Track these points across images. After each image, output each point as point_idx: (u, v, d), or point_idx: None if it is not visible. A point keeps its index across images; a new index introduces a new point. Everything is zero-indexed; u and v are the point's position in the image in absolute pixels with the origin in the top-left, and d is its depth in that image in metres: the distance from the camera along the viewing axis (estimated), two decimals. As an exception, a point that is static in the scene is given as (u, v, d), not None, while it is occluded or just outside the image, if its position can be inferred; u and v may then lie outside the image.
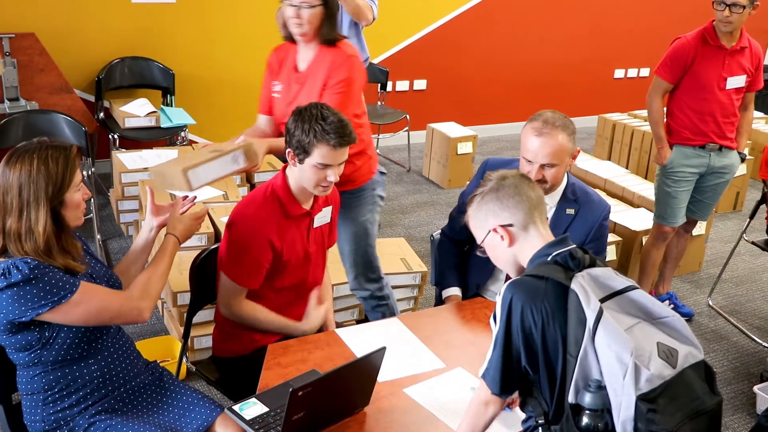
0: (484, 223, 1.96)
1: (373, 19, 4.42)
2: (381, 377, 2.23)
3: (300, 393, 1.90)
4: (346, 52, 2.95)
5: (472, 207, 2.00)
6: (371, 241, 3.23)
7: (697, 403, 1.72)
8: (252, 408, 2.11)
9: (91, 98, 5.38)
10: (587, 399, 1.69)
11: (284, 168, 2.61)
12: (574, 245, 1.88)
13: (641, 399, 1.64)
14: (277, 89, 3.07)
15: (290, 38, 3.00)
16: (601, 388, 1.69)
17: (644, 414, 1.63)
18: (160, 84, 5.55)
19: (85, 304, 2.03)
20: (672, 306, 4.31)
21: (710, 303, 4.49)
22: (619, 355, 1.67)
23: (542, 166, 2.61)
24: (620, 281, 1.84)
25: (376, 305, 3.35)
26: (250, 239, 2.51)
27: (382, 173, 3.24)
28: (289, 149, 2.51)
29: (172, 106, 5.54)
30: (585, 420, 1.69)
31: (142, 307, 2.15)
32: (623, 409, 1.66)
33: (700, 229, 4.67)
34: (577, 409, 1.70)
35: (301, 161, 2.48)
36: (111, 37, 5.37)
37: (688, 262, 4.80)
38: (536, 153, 2.60)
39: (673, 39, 3.90)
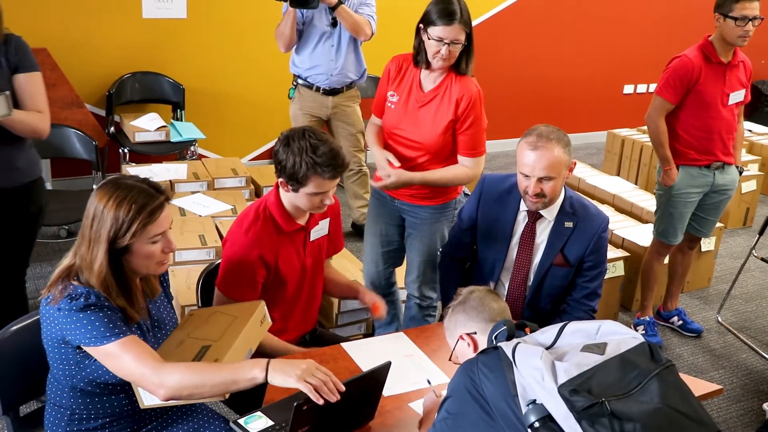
0: (454, 332, 2.16)
1: (372, 34, 4.44)
2: (386, 391, 2.24)
3: (304, 407, 1.90)
4: (475, 86, 3.06)
5: (446, 318, 2.20)
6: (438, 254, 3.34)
7: (644, 372, 1.71)
8: (257, 422, 2.10)
9: (102, 113, 5.42)
10: (530, 418, 1.68)
11: (278, 184, 2.60)
12: (508, 324, 1.97)
13: (562, 387, 1.64)
14: (392, 99, 3.15)
15: (419, 63, 3.08)
16: (535, 403, 1.69)
17: (569, 398, 1.62)
18: (171, 99, 5.59)
19: (115, 360, 1.96)
20: (681, 322, 4.30)
21: (719, 319, 4.46)
22: (533, 364, 1.70)
23: (539, 180, 2.63)
24: (556, 330, 1.88)
25: (428, 314, 3.43)
26: (243, 257, 2.51)
27: (465, 194, 3.29)
28: (281, 179, 2.50)
29: (182, 120, 5.58)
30: None
31: (162, 390, 1.94)
32: (557, 408, 1.64)
33: (709, 245, 4.65)
34: None
35: (294, 190, 2.49)
36: (122, 52, 5.42)
37: (697, 278, 4.78)
38: (533, 167, 2.62)
39: (671, 58, 3.84)
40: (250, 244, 2.50)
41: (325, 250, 2.81)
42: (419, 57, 3.07)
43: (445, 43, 2.91)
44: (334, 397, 1.92)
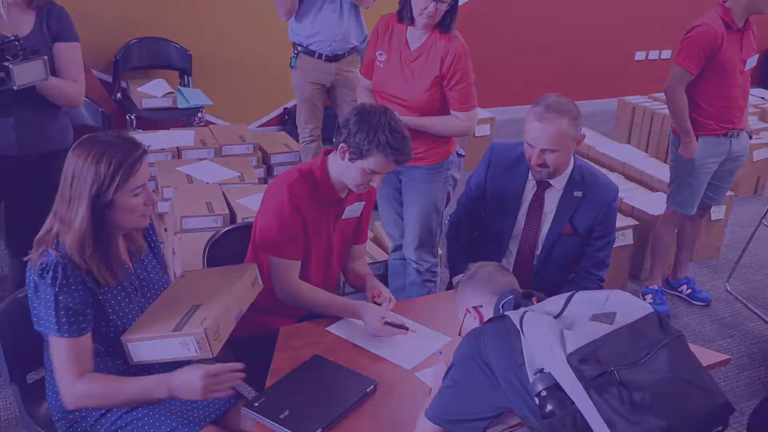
0: (462, 305, 2.15)
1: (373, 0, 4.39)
2: (394, 360, 2.29)
3: (255, 404, 2.06)
4: (460, 42, 3.11)
5: (456, 293, 2.20)
6: (438, 218, 3.37)
7: (653, 342, 1.71)
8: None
9: (109, 79, 5.40)
10: (537, 387, 1.69)
11: (326, 152, 2.61)
12: (515, 293, 1.97)
13: (571, 356, 1.64)
14: (381, 59, 3.23)
15: (403, 18, 3.15)
16: (543, 372, 1.69)
17: (578, 367, 1.63)
18: (178, 65, 5.56)
19: (53, 351, 2.01)
20: (690, 291, 4.28)
21: (728, 288, 4.45)
22: (541, 333, 1.71)
23: (543, 151, 2.61)
24: (563, 299, 1.88)
25: (427, 279, 3.46)
26: (284, 210, 2.51)
27: (459, 155, 3.33)
28: (344, 145, 2.48)
29: (189, 86, 5.55)
30: (548, 407, 1.67)
31: (67, 399, 2.01)
32: (565, 377, 1.65)
33: (719, 213, 4.62)
34: (542, 403, 1.69)
35: (351, 160, 2.48)
36: (128, 17, 5.38)
37: (707, 247, 4.76)
38: (537, 138, 2.61)
39: (690, 27, 3.72)
40: (291, 197, 2.51)
41: (352, 236, 2.79)
42: (404, 12, 3.13)
43: (434, 0, 2.97)
44: (239, 381, 2.07)
